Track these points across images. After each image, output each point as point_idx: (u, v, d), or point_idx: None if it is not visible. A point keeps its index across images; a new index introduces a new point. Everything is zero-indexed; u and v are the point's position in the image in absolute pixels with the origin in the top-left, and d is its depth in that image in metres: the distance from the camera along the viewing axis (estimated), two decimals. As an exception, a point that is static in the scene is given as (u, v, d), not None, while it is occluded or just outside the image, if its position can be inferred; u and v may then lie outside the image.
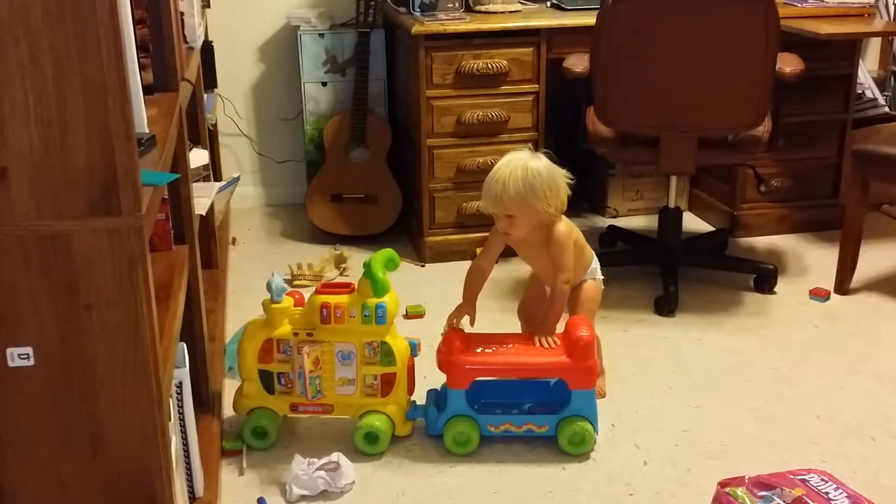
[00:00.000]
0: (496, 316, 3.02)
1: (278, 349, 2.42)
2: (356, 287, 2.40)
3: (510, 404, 2.48)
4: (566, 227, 2.50)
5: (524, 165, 2.44)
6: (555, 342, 2.43)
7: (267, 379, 2.44)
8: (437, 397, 2.49)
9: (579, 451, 2.40)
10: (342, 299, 2.38)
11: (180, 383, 1.94)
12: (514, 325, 2.73)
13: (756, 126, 3.10)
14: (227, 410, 2.57)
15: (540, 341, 2.43)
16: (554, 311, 2.49)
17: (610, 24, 2.97)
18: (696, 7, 2.94)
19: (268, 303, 2.41)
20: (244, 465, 2.36)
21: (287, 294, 2.39)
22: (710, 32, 2.94)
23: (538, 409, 2.47)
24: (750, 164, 3.61)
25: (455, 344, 2.43)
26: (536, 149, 3.54)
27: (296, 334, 2.40)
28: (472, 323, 2.53)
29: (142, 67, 1.86)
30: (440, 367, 2.47)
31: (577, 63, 3.17)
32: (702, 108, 3.04)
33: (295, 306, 2.43)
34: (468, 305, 2.53)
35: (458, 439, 2.40)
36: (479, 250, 2.68)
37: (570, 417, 2.40)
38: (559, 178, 2.46)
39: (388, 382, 2.42)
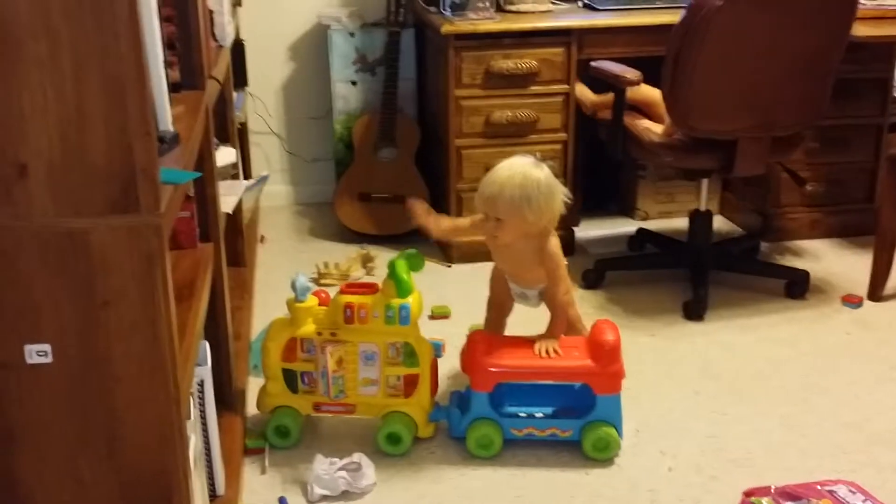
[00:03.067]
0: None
1: (302, 348, 2.42)
2: (380, 287, 2.39)
3: (533, 408, 2.46)
4: (557, 243, 2.48)
5: (524, 173, 2.40)
6: (556, 351, 2.40)
7: (290, 378, 2.44)
8: (461, 399, 2.48)
9: (603, 456, 2.38)
10: (366, 299, 2.37)
11: (202, 381, 1.94)
12: (527, 330, 2.69)
13: (819, 120, 3.13)
14: (252, 408, 2.57)
15: (541, 350, 2.41)
16: (559, 324, 2.48)
17: (708, 28, 2.87)
18: (794, 3, 2.91)
19: (292, 302, 2.42)
20: (266, 464, 2.36)
21: (313, 293, 2.40)
22: (799, 27, 2.92)
23: (562, 413, 2.45)
24: (783, 165, 3.56)
25: (479, 346, 2.41)
26: (566, 151, 3.55)
27: (319, 334, 2.39)
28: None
29: (168, 65, 1.86)
30: (463, 370, 2.46)
31: (626, 70, 3.11)
32: (777, 105, 3.02)
33: (321, 305, 2.43)
34: (432, 222, 2.56)
35: (480, 442, 2.39)
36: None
37: (594, 422, 2.38)
38: (557, 193, 2.43)
39: (411, 383, 2.41)
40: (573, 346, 2.44)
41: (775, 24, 2.91)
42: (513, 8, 3.61)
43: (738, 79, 2.97)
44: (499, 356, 2.41)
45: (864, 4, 3.64)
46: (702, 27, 2.88)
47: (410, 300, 2.36)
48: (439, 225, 2.58)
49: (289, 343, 2.41)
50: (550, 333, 2.47)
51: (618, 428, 2.38)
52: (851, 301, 3.23)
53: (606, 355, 2.36)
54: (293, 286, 2.40)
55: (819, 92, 3.05)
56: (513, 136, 3.51)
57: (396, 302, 2.35)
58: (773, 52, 2.94)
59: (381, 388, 2.42)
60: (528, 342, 2.46)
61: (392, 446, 2.39)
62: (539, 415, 2.45)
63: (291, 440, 2.43)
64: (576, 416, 2.41)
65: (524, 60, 3.43)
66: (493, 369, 2.39)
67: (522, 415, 2.44)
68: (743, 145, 3.05)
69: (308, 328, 2.40)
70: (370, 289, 2.41)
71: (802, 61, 2.98)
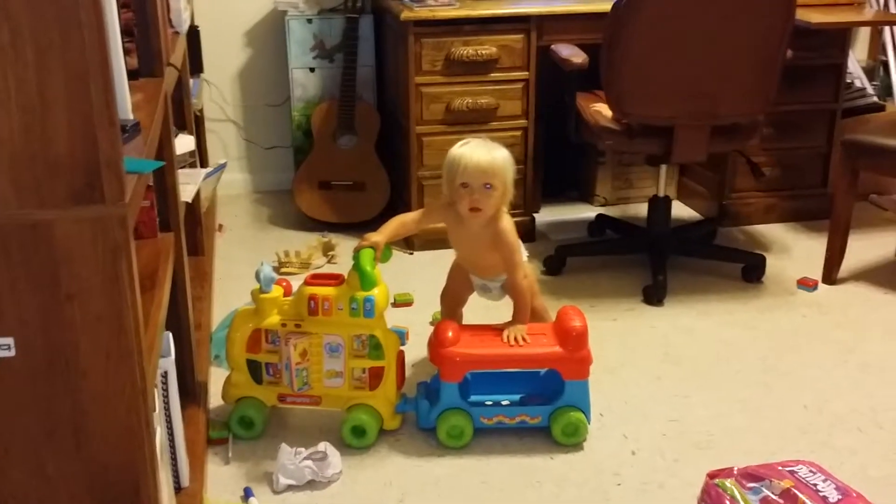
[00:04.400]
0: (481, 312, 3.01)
1: (266, 339, 2.40)
2: (346, 279, 2.38)
3: (501, 396, 2.46)
4: (511, 224, 2.49)
5: (494, 146, 2.45)
6: (524, 339, 2.41)
7: (255, 369, 2.42)
8: (428, 390, 2.48)
9: (573, 441, 2.39)
10: (330, 291, 2.35)
11: (165, 373, 1.92)
12: (495, 319, 2.70)
13: (763, 111, 3.13)
14: (214, 399, 2.55)
15: (510, 338, 2.41)
16: (522, 308, 2.48)
17: (637, 13, 2.91)
18: None
19: (256, 292, 2.39)
20: (230, 455, 2.35)
21: (275, 283, 2.37)
22: (734, 17, 2.93)
23: (531, 399, 2.46)
24: (742, 153, 3.60)
25: (447, 336, 2.41)
26: (526, 137, 3.56)
27: (284, 325, 2.37)
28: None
29: (126, 52, 1.83)
30: (432, 360, 2.45)
31: (575, 54, 3.14)
32: (718, 95, 3.03)
33: (284, 295, 2.41)
34: (378, 236, 2.44)
35: (451, 432, 2.38)
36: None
37: (563, 408, 2.39)
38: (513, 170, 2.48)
39: (376, 376, 2.39)
40: (540, 332, 2.45)
41: (709, 12, 2.93)
42: (472, -6, 3.60)
43: (672, 66, 2.99)
44: (467, 345, 2.40)
45: (818, -9, 3.69)
46: (631, 13, 2.92)
47: (376, 292, 2.34)
48: (383, 232, 2.47)
49: (253, 334, 2.40)
50: (516, 320, 2.47)
51: (586, 413, 2.39)
52: (807, 284, 3.28)
53: (574, 341, 2.37)
54: (257, 276, 2.38)
55: (764, 83, 3.04)
56: (473, 122, 3.51)
57: (361, 294, 2.33)
58: (710, 40, 2.96)
59: (347, 381, 2.40)
60: (494, 330, 2.46)
61: (357, 439, 2.38)
62: (507, 403, 2.45)
63: (255, 431, 2.42)
64: (544, 403, 2.42)
65: (484, 47, 3.43)
66: (461, 359, 2.38)
67: (491, 403, 2.44)
68: (680, 133, 3.08)
69: (273, 319, 2.38)
70: (336, 280, 2.39)
71: (742, 50, 2.98)
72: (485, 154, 2.42)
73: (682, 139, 3.09)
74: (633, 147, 3.29)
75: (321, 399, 2.43)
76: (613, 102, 3.09)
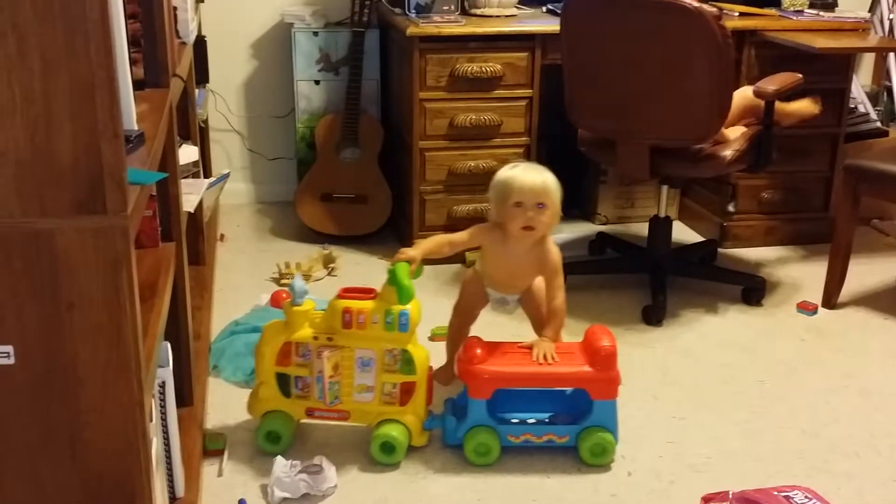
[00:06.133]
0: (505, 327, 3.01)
1: (297, 352, 2.37)
2: (379, 293, 2.37)
3: (529, 414, 2.47)
4: (558, 248, 2.57)
5: (543, 169, 2.55)
6: (554, 357, 2.41)
7: (284, 382, 2.39)
8: (455, 406, 2.47)
9: (600, 461, 2.38)
10: (365, 304, 2.34)
11: (163, 383, 1.92)
12: (521, 336, 2.70)
13: (703, 141, 3.07)
14: (212, 410, 2.55)
15: (539, 356, 2.42)
16: (557, 328, 2.52)
17: (563, 28, 3.12)
18: (628, 13, 2.97)
19: (288, 305, 2.37)
20: (222, 466, 2.34)
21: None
22: (647, 40, 2.96)
23: (559, 418, 2.46)
24: (727, 180, 3.62)
25: (476, 353, 2.40)
26: (528, 154, 3.57)
27: (316, 338, 2.35)
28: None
29: (133, 63, 1.84)
30: (460, 377, 2.44)
31: None
32: (650, 117, 3.06)
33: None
34: (415, 251, 2.47)
35: (478, 450, 2.38)
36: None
37: (591, 428, 2.39)
38: None
39: (407, 391, 2.37)
40: (569, 351, 2.45)
41: (621, 33, 2.99)
42: (478, 12, 3.62)
43: (604, 82, 3.10)
44: (496, 363, 2.40)
45: (822, 17, 3.71)
46: (563, 27, 3.13)
47: (410, 307, 2.33)
48: (420, 248, 2.50)
49: (283, 347, 2.37)
50: (548, 338, 2.49)
51: (614, 433, 2.39)
52: (807, 308, 3.28)
53: (603, 361, 2.37)
54: (291, 289, 2.36)
55: (700, 113, 2.97)
56: (476, 139, 3.52)
57: (396, 308, 2.32)
58: (631, 61, 3.00)
59: (377, 396, 2.38)
60: (522, 348, 2.47)
61: (386, 455, 2.36)
62: (534, 421, 2.45)
63: (282, 446, 2.38)
64: (572, 422, 2.42)
65: (488, 64, 3.44)
66: (490, 377, 2.38)
67: (517, 421, 2.44)
68: (620, 148, 3.16)
69: (304, 332, 2.36)
70: (368, 293, 2.38)
71: (664, 75, 2.97)
72: (537, 175, 2.50)
73: (622, 154, 3.17)
74: (596, 156, 3.44)
75: (350, 414, 2.40)
76: (567, 111, 3.23)
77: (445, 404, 2.49)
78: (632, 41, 2.97)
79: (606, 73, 3.06)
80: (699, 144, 3.09)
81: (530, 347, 2.45)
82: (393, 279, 2.33)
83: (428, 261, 3.46)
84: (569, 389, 2.48)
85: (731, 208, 3.64)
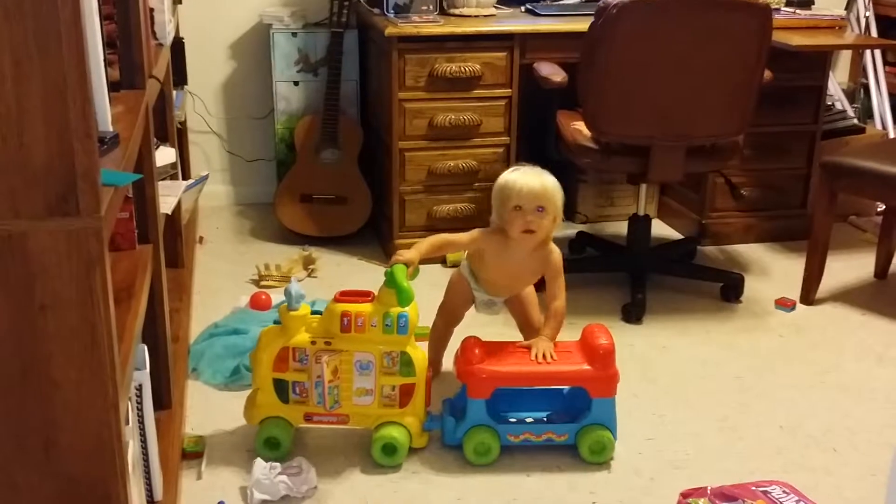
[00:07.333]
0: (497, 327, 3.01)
1: (294, 357, 2.35)
2: (377, 295, 2.36)
3: (528, 413, 2.47)
4: (559, 252, 2.57)
5: (544, 172, 2.54)
6: (552, 356, 2.42)
7: (282, 388, 2.37)
8: (453, 407, 2.47)
9: (600, 459, 2.39)
10: (364, 308, 2.32)
11: (140, 385, 1.91)
12: (511, 337, 2.69)
13: (741, 132, 3.15)
14: (190, 412, 2.54)
15: (538, 355, 2.42)
16: (556, 328, 2.52)
17: (610, 33, 2.93)
18: (696, 15, 2.95)
19: (284, 310, 2.35)
20: (201, 469, 2.34)
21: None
22: (708, 40, 2.96)
23: (557, 417, 2.46)
24: (722, 173, 3.63)
25: (475, 353, 2.40)
26: (508, 154, 3.57)
27: (313, 343, 2.33)
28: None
29: (108, 64, 1.83)
30: (459, 377, 2.44)
31: (554, 72, 3.16)
32: (693, 117, 3.05)
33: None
34: (413, 253, 2.45)
35: (478, 449, 2.37)
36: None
37: (590, 426, 2.39)
38: None
39: (406, 393, 2.37)
40: (567, 350, 2.46)
41: (682, 35, 2.96)
42: (456, 11, 3.63)
43: (647, 87, 3.01)
44: (495, 362, 2.40)
45: (798, 14, 3.73)
46: (607, 32, 2.94)
47: (408, 309, 2.33)
48: (418, 250, 2.49)
49: (281, 352, 2.34)
50: (546, 337, 2.49)
51: (613, 431, 2.40)
52: (785, 305, 3.30)
53: (602, 359, 2.37)
54: (287, 294, 2.34)
55: (740, 105, 3.06)
56: (456, 138, 3.52)
57: (395, 310, 2.31)
58: (684, 62, 2.98)
59: (376, 398, 2.37)
60: (520, 347, 2.48)
61: (388, 457, 2.35)
62: (532, 420, 2.45)
63: (282, 452, 2.36)
64: (571, 420, 2.42)
65: (467, 64, 3.45)
66: (489, 376, 2.37)
67: (516, 420, 2.44)
68: (656, 153, 3.10)
69: (301, 337, 2.34)
70: (365, 297, 2.37)
71: (717, 74, 3.00)
72: (536, 178, 2.50)
73: (658, 159, 3.10)
74: (610, 166, 3.32)
75: (349, 417, 2.39)
76: (590, 121, 3.11)
77: (443, 404, 2.49)
78: (687, 42, 2.95)
79: (658, 76, 2.99)
80: (736, 136, 3.15)
81: (529, 347, 2.46)
82: (391, 281, 2.32)
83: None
84: (565, 388, 2.49)
85: (744, 192, 3.64)
